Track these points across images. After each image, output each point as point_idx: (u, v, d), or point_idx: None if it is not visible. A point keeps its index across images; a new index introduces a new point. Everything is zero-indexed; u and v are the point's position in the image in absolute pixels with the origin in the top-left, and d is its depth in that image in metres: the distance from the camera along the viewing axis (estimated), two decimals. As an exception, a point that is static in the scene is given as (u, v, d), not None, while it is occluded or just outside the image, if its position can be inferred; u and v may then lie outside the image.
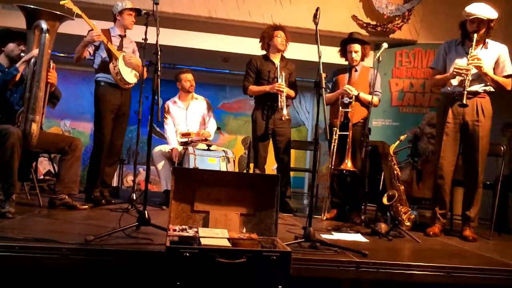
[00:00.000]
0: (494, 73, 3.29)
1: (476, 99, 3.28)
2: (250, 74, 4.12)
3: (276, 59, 4.09)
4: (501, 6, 3.27)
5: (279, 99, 3.90)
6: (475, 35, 3.19)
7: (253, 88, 4.09)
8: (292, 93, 4.09)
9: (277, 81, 3.95)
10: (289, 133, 4.15)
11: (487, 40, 3.33)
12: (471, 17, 3.20)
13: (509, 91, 3.33)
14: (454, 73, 3.24)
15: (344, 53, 3.94)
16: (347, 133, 3.68)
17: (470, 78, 3.16)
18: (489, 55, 3.30)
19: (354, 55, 3.84)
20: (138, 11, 3.75)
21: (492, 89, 3.34)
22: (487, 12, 3.19)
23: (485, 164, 3.35)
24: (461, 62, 3.29)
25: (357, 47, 3.84)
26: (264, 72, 4.07)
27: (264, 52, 4.17)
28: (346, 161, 3.60)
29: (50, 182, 4.51)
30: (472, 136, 3.30)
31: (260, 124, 4.07)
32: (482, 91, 3.31)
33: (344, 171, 3.64)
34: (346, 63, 3.98)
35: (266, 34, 4.09)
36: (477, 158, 3.30)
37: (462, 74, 3.17)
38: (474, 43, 3.20)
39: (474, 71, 3.20)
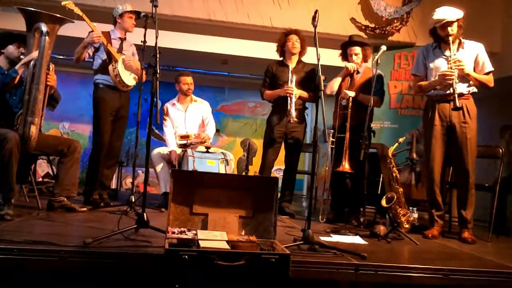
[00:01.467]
0: (475, 72, 3.33)
1: (462, 101, 3.30)
2: (266, 79, 4.19)
3: (291, 63, 4.11)
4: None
5: (288, 101, 3.91)
6: (450, 38, 3.25)
7: (268, 92, 4.14)
8: (305, 95, 4.07)
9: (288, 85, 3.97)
10: (301, 137, 4.15)
11: (462, 40, 3.38)
12: (440, 23, 3.25)
13: (491, 88, 3.37)
14: (440, 80, 3.28)
15: (345, 56, 3.95)
16: (344, 135, 3.68)
17: (457, 81, 3.21)
18: (467, 55, 3.34)
19: (354, 57, 3.85)
20: (138, 13, 3.76)
21: (475, 90, 3.38)
22: (453, 13, 3.26)
23: (475, 165, 3.36)
24: (440, 64, 3.34)
25: (357, 49, 3.85)
26: (278, 77, 4.10)
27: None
28: (344, 162, 3.60)
29: (48, 185, 4.50)
30: (461, 138, 3.33)
31: (272, 128, 4.09)
32: (467, 92, 3.35)
33: (346, 174, 3.65)
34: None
35: (278, 42, 4.14)
36: (467, 160, 3.31)
37: (447, 79, 3.22)
38: (451, 46, 3.26)
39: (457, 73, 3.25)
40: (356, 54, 3.85)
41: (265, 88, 4.17)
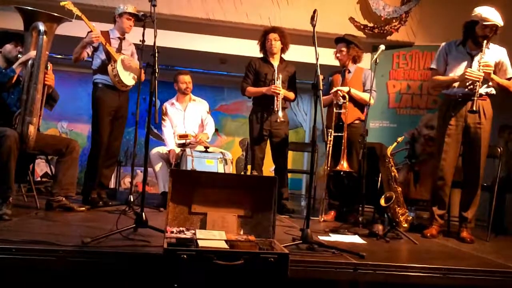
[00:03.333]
0: (495, 75, 3.30)
1: (478, 101, 3.28)
2: (249, 75, 4.14)
3: (274, 61, 4.09)
4: (498, 10, 3.27)
5: (275, 101, 3.90)
6: (485, 41, 3.20)
7: (251, 89, 4.10)
8: (290, 95, 4.09)
9: (274, 83, 3.96)
10: (286, 135, 4.15)
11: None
12: (486, 23, 3.17)
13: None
14: (466, 77, 3.21)
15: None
16: (342, 134, 3.69)
17: (481, 84, 3.18)
18: (490, 57, 3.30)
19: (338, 54, 3.89)
20: (137, 16, 3.74)
21: (494, 92, 3.35)
22: (500, 19, 3.19)
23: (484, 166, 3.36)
24: (462, 61, 3.31)
25: (342, 46, 3.88)
26: (262, 74, 4.08)
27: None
28: (342, 162, 3.61)
29: (47, 184, 4.49)
30: (474, 139, 3.32)
31: (256, 126, 4.08)
32: (485, 94, 3.32)
33: (342, 173, 3.65)
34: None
35: (259, 40, 4.13)
36: (479, 161, 3.31)
37: (473, 80, 3.18)
38: (484, 48, 3.20)
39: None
40: (340, 52, 3.88)
41: (247, 84, 4.12)
